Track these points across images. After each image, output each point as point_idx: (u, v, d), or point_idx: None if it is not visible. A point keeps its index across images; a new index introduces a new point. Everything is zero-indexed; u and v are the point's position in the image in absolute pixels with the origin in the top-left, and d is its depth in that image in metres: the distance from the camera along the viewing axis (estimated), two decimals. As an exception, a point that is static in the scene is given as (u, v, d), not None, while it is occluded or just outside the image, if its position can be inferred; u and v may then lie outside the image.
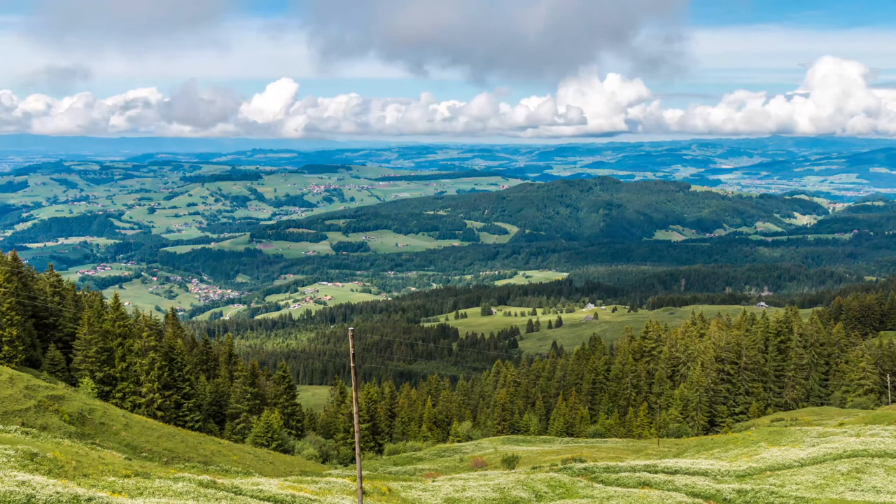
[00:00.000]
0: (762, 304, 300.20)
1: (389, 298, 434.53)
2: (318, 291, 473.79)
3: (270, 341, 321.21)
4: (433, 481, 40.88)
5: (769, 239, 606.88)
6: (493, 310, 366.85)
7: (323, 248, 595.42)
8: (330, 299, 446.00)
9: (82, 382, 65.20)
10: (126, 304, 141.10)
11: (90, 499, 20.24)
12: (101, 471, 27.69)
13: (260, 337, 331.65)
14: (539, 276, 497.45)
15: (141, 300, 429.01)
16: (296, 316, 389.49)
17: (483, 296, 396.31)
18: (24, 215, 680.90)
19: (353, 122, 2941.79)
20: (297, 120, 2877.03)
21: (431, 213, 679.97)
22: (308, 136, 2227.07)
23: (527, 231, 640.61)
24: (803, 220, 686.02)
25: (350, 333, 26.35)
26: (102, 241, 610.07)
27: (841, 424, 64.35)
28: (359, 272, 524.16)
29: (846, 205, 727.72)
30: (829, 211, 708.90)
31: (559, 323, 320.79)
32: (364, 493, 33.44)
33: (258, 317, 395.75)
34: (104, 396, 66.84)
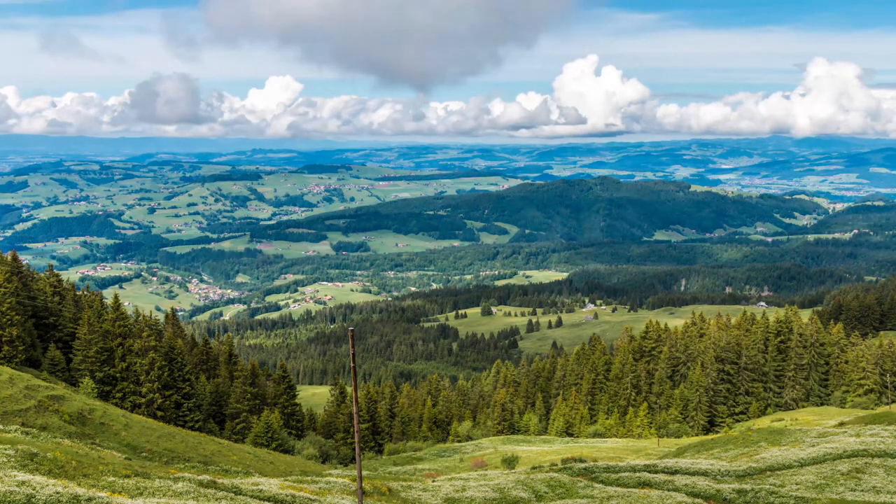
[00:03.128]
0: (762, 304, 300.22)
1: (389, 298, 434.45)
2: (318, 291, 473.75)
3: (270, 341, 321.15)
4: (433, 481, 40.84)
5: (769, 239, 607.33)
6: (493, 310, 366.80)
7: (323, 248, 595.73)
8: (330, 299, 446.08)
9: (82, 382, 65.20)
10: (126, 304, 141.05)
11: (90, 499, 20.24)
12: (101, 471, 27.67)
13: (260, 337, 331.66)
14: (539, 276, 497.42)
15: (141, 300, 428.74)
16: (296, 316, 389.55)
17: (483, 296, 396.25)
18: (24, 215, 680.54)
19: (353, 122, 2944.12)
20: (296, 120, 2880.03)
21: (431, 213, 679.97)
22: (308, 136, 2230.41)
23: (527, 231, 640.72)
24: (803, 220, 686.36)
25: (350, 333, 26.33)
26: (102, 241, 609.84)
27: (841, 424, 64.27)
28: (359, 272, 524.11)
29: (846, 205, 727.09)
30: (829, 211, 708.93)
31: (559, 323, 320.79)
32: (364, 493, 33.43)
33: (258, 317, 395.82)
34: (104, 396, 66.85)
